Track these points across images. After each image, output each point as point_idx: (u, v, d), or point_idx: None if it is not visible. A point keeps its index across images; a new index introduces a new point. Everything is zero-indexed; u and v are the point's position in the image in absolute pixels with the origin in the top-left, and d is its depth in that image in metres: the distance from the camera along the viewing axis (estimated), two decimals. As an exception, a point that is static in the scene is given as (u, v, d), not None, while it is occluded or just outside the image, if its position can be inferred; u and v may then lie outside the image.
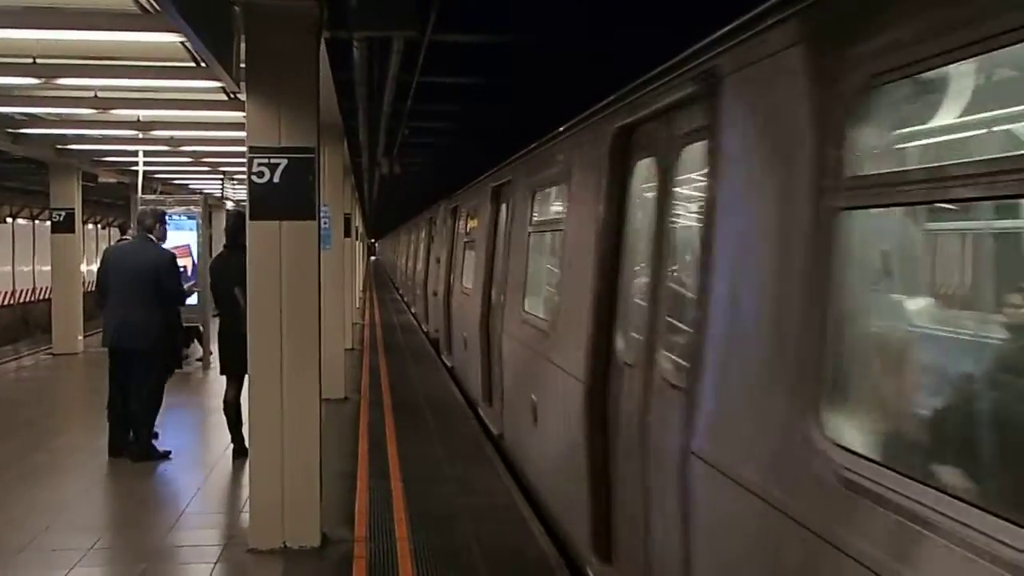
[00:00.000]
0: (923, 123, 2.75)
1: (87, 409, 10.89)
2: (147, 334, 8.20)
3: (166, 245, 8.89)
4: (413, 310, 24.28)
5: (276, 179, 5.92)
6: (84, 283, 17.49)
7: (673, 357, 4.16)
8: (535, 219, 8.13)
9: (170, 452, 8.48)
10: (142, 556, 6.00)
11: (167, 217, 9.33)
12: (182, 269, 9.95)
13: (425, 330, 19.39)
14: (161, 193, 18.49)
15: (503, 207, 9.98)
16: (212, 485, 7.87)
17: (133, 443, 8.32)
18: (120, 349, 8.32)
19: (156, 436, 8.55)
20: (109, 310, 8.40)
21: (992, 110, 2.56)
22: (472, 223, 12.52)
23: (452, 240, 14.62)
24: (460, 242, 13.75)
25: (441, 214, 16.99)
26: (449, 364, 14.06)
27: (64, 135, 13.31)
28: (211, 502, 7.40)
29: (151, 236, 8.60)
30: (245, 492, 6.23)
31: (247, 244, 6.08)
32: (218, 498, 7.50)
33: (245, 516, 6.26)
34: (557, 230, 6.94)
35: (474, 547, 6.13)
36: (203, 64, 7.38)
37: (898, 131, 2.82)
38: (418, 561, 5.81)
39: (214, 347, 10.38)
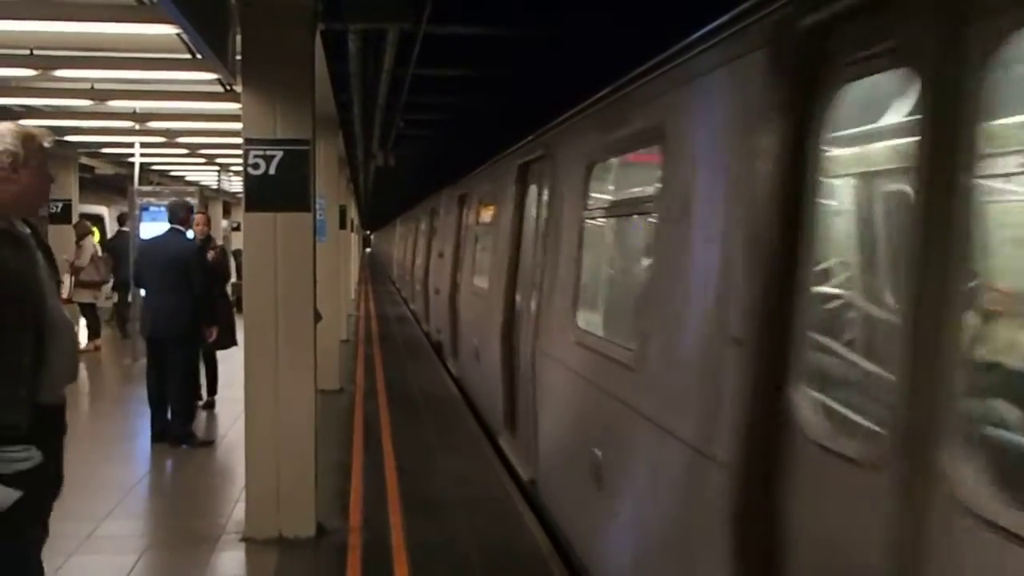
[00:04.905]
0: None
1: (86, 398, 10.92)
2: (177, 322, 8.51)
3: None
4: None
5: (272, 171, 5.95)
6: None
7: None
8: None
9: (213, 440, 8.75)
10: (139, 544, 6.05)
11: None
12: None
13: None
14: (157, 185, 18.47)
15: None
16: (208, 474, 7.92)
17: (171, 427, 8.55)
18: (155, 338, 8.69)
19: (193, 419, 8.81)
20: (146, 301, 9.08)
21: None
22: None
23: None
24: None
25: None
26: None
27: (61, 127, 13.28)
28: (207, 491, 7.44)
29: (180, 228, 8.85)
30: (241, 482, 6.27)
31: (243, 234, 6.17)
32: (214, 487, 7.55)
33: (241, 506, 6.29)
34: None
35: (468, 537, 6.18)
36: (199, 56, 7.41)
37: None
38: (412, 550, 5.86)
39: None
